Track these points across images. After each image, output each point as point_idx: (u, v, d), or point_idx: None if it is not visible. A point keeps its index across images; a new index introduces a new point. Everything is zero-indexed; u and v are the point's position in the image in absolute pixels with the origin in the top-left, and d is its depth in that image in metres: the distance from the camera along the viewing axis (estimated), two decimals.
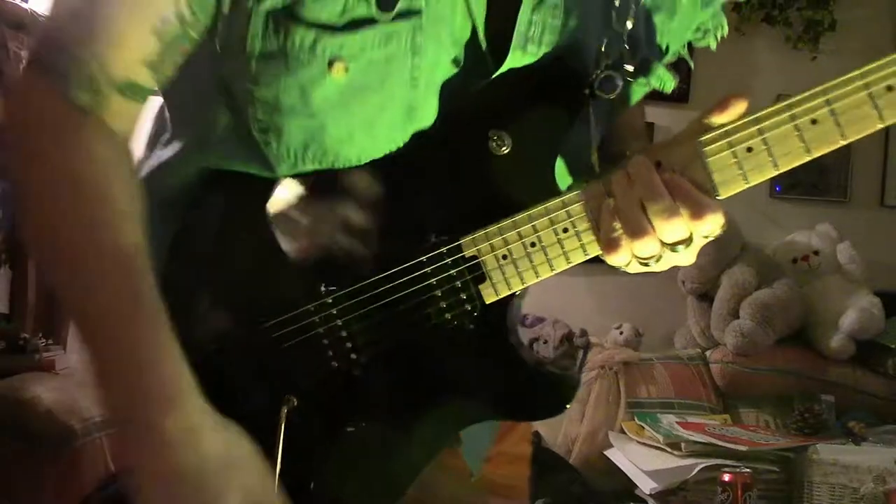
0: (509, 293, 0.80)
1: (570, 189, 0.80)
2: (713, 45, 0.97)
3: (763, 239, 3.00)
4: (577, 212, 0.78)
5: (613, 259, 0.77)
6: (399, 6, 0.75)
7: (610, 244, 0.75)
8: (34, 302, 2.61)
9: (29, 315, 2.57)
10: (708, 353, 2.80)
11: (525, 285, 0.80)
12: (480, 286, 0.80)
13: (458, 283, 0.80)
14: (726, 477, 2.00)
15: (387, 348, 0.81)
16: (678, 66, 0.98)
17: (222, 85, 0.79)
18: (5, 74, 2.32)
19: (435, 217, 0.80)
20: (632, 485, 2.26)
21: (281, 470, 0.77)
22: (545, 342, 2.67)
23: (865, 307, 2.73)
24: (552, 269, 0.79)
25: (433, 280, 0.80)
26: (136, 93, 0.76)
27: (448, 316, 0.80)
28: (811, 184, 3.11)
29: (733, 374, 2.69)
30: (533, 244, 0.79)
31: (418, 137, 0.80)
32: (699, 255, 0.81)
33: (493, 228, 0.79)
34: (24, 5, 2.45)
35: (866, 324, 2.70)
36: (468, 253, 0.79)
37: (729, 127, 0.74)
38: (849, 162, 3.11)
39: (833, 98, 0.71)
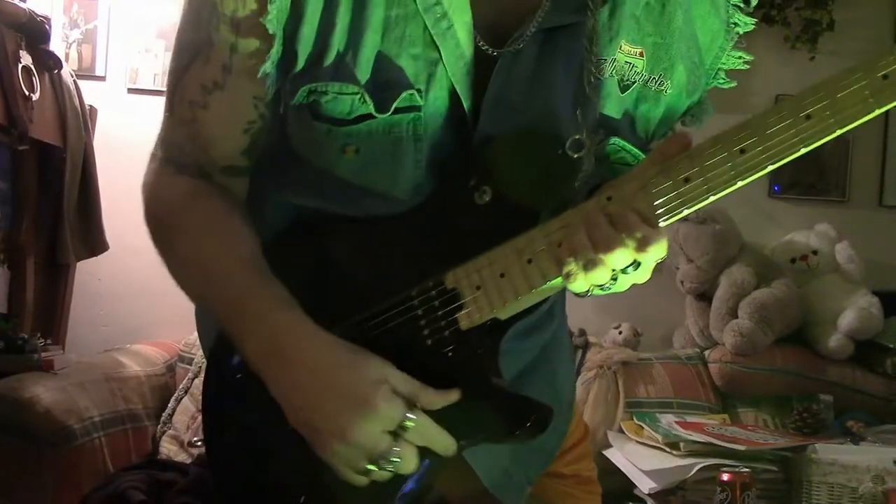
0: (482, 321, 0.87)
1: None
2: (699, 127, 1.06)
3: (762, 239, 2.99)
4: (540, 245, 0.85)
5: (573, 288, 0.85)
6: (397, 104, 0.89)
7: (567, 276, 0.83)
8: (33, 302, 2.61)
9: (27, 315, 2.58)
10: (707, 352, 2.80)
11: (494, 312, 0.87)
12: (458, 315, 0.88)
13: (440, 312, 0.88)
14: (725, 476, 2.00)
15: None
16: None
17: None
18: (4, 75, 2.32)
19: (431, 259, 0.90)
20: (631, 484, 2.27)
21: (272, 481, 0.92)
22: None
23: (864, 307, 2.73)
24: (517, 296, 0.86)
25: (419, 311, 0.89)
26: (237, 173, 0.98)
27: (429, 342, 0.88)
28: (810, 183, 3.11)
29: (732, 373, 2.69)
30: (502, 274, 0.86)
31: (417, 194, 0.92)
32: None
33: (470, 263, 0.88)
34: (22, 5, 2.45)
35: (865, 323, 2.70)
36: (449, 285, 0.88)
37: (669, 161, 0.82)
38: (847, 162, 3.12)
39: (759, 128, 0.79)
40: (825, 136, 0.78)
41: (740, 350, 2.67)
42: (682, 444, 2.25)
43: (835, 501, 2.10)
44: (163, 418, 2.54)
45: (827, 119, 0.77)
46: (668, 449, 2.28)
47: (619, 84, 0.95)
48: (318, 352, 0.86)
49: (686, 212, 0.82)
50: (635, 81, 0.96)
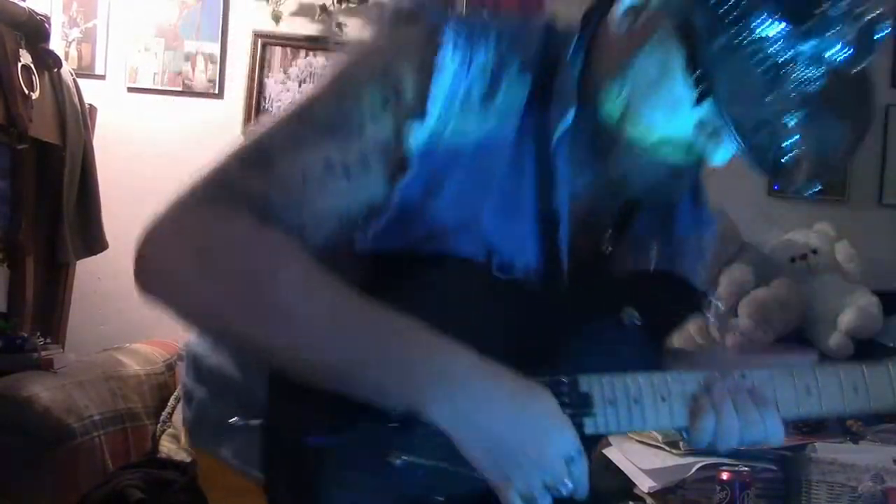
0: (608, 433, 0.96)
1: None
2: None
3: (761, 237, 2.99)
4: (675, 388, 0.93)
5: (695, 439, 0.93)
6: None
7: (700, 432, 0.92)
8: (32, 301, 2.61)
9: (27, 314, 2.58)
10: None
11: (619, 431, 0.95)
12: (585, 419, 0.91)
13: (567, 411, 0.89)
14: (724, 475, 1.99)
15: None
16: None
17: None
18: (3, 74, 2.31)
19: (555, 355, 0.93)
20: (630, 483, 2.26)
21: None
22: None
23: (864, 306, 2.73)
24: (644, 425, 0.93)
25: None
26: (299, 239, 0.88)
27: None
28: None
29: None
30: (636, 401, 0.92)
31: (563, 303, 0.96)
32: None
33: (605, 376, 0.92)
34: (21, 4, 2.45)
35: (865, 322, 2.70)
36: (583, 388, 0.91)
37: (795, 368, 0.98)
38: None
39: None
40: None
41: (739, 349, 2.67)
42: (681, 443, 2.25)
43: (834, 500, 2.10)
44: (162, 417, 2.54)
45: None
46: (667, 448, 2.27)
47: None
48: (496, 379, 0.86)
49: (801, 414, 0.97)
50: None
